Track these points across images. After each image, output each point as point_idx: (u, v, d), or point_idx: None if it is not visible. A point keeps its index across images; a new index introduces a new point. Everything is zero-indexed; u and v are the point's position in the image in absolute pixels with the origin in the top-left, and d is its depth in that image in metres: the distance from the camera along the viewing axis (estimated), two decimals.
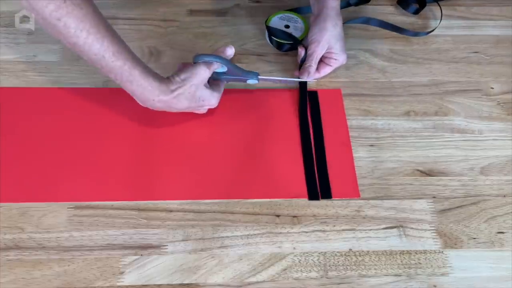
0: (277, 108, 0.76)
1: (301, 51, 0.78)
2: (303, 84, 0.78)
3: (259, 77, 0.74)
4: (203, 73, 0.67)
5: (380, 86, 0.80)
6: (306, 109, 0.76)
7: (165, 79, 0.66)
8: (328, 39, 0.76)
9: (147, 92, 0.64)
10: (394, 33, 0.87)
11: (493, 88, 0.81)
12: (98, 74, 0.76)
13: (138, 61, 0.63)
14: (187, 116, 0.72)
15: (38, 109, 0.72)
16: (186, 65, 0.69)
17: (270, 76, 0.78)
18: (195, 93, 0.67)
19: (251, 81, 0.74)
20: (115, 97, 0.74)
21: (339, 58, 0.78)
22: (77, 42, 0.59)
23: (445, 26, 0.90)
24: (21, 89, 0.74)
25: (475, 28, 0.90)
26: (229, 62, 0.71)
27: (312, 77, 0.78)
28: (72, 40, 0.58)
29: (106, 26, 0.60)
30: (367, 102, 0.78)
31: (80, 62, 0.78)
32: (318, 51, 0.76)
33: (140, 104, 0.67)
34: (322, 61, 0.79)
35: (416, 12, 0.90)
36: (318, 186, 0.69)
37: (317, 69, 0.78)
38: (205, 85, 0.69)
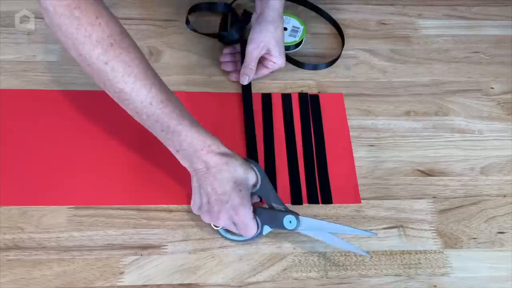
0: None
1: (225, 50, 0.80)
2: (246, 85, 0.77)
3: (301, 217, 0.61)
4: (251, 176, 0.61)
5: (380, 86, 0.80)
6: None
7: (216, 137, 0.60)
8: (268, 41, 0.74)
9: (197, 141, 0.58)
10: (395, 33, 0.88)
11: (493, 88, 0.81)
12: None
13: (186, 111, 0.59)
14: None
15: (38, 111, 0.72)
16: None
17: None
18: (239, 178, 0.59)
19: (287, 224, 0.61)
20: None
21: (277, 62, 0.76)
22: (123, 89, 0.55)
23: (445, 26, 0.90)
24: (21, 91, 0.74)
25: (475, 28, 0.90)
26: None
27: (251, 79, 0.77)
28: (118, 86, 0.55)
29: (153, 73, 0.57)
30: (367, 102, 0.78)
31: None
32: (256, 52, 0.75)
33: (182, 161, 0.60)
34: (260, 62, 0.77)
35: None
36: (319, 192, 0.68)
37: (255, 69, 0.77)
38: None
